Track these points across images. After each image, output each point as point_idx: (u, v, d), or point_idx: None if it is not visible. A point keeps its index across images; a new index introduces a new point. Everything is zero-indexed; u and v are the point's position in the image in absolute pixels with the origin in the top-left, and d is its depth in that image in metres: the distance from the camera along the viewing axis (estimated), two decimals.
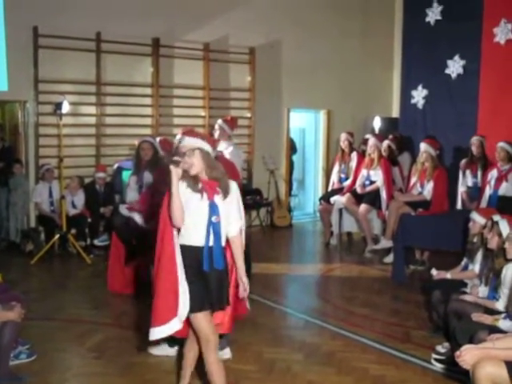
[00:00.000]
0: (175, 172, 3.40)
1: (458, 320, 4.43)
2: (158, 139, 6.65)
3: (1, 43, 8.45)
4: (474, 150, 8.07)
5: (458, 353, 3.22)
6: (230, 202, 3.61)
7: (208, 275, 3.54)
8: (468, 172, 8.14)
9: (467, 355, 3.18)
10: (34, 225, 8.92)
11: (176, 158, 3.44)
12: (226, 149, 7.13)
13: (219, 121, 7.21)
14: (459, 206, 8.20)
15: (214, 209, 3.52)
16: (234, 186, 3.65)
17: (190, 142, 3.52)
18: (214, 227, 3.53)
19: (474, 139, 8.15)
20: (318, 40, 11.19)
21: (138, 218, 5.85)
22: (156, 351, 4.82)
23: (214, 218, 3.52)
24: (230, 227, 3.63)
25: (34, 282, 7.23)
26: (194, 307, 3.48)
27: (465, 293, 4.85)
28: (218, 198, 3.55)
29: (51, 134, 8.82)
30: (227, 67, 10.51)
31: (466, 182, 8.16)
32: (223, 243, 3.61)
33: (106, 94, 9.39)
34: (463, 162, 8.29)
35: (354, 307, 6.24)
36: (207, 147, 3.54)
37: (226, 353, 4.69)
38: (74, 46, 8.83)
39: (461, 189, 8.22)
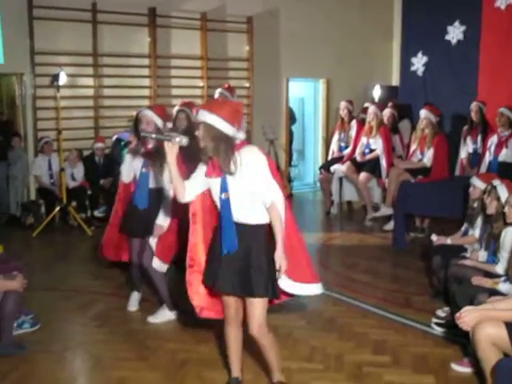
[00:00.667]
0: (169, 148, 3.24)
1: (458, 284, 4.44)
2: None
3: None
4: (473, 115, 8.04)
5: (457, 314, 3.24)
6: (251, 173, 3.25)
7: (230, 258, 3.32)
8: (468, 138, 8.12)
9: (467, 317, 3.20)
10: (34, 198, 8.93)
11: (169, 134, 3.36)
12: None
13: (219, 89, 7.15)
14: (457, 172, 8.19)
15: (222, 185, 3.30)
16: (249, 157, 3.27)
17: (199, 115, 3.28)
18: (223, 205, 3.33)
19: (473, 105, 8.12)
20: (317, 8, 11.05)
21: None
22: (155, 319, 4.89)
23: (223, 195, 3.31)
24: (263, 199, 3.30)
25: (35, 254, 7.27)
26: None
27: (465, 257, 4.87)
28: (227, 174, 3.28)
29: (49, 107, 8.78)
30: (225, 37, 10.40)
31: (466, 148, 8.14)
32: (238, 220, 3.33)
33: (103, 66, 9.31)
34: (464, 128, 8.26)
35: (354, 274, 6.28)
36: (212, 119, 3.22)
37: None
38: (69, 17, 8.74)
39: (461, 155, 8.21)
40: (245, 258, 3.30)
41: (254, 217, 3.33)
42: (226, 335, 3.58)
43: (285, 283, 3.41)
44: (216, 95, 7.11)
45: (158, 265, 4.74)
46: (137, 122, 4.85)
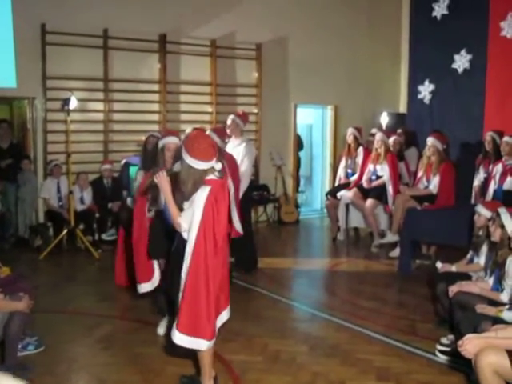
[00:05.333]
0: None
1: (462, 312, 4.44)
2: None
3: (9, 40, 8.51)
4: (487, 145, 8.06)
5: (460, 342, 3.23)
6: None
7: None
8: (481, 167, 8.14)
9: (469, 344, 3.20)
10: (43, 220, 9.00)
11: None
12: (239, 145, 7.13)
13: (232, 116, 7.22)
14: (473, 200, 8.19)
15: None
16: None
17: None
18: None
19: (487, 134, 8.16)
20: (325, 36, 11.21)
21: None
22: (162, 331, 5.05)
23: None
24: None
25: (42, 276, 7.29)
26: None
27: (469, 278, 4.87)
28: None
29: (59, 130, 8.90)
30: (234, 63, 10.55)
31: (479, 177, 8.16)
32: None
33: (114, 91, 9.46)
34: (479, 157, 8.31)
35: (360, 300, 6.26)
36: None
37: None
38: (81, 43, 8.91)
39: (475, 183, 8.23)
40: None
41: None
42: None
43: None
44: (228, 121, 7.18)
45: (144, 287, 4.98)
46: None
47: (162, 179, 3.62)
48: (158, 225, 4.69)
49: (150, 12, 9.39)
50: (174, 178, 3.71)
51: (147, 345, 4.89)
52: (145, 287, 4.94)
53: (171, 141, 4.94)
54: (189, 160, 3.62)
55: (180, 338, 3.67)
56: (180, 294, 3.69)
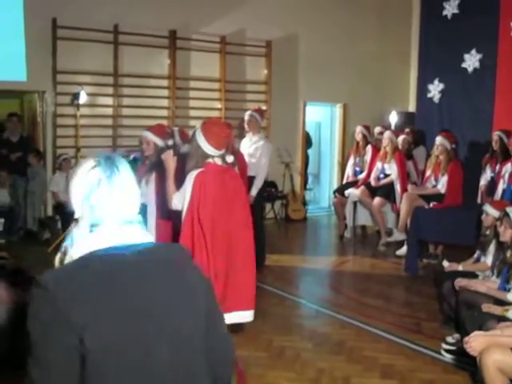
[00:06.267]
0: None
1: (469, 310, 4.44)
2: (176, 129, 6.72)
3: (20, 34, 8.55)
4: (494, 144, 8.04)
5: (466, 339, 3.24)
6: None
7: None
8: (488, 166, 8.12)
9: (475, 342, 3.21)
10: (51, 213, 9.04)
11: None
12: (257, 142, 7.13)
13: (249, 111, 7.22)
14: (479, 200, 8.17)
15: None
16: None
17: None
18: None
19: (494, 134, 8.12)
20: (335, 34, 11.19)
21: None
22: None
23: None
24: None
25: (49, 269, 7.31)
26: None
27: (476, 277, 4.86)
28: None
29: (69, 125, 8.94)
30: (243, 60, 10.55)
31: (485, 176, 8.14)
32: None
33: (123, 86, 9.48)
34: (485, 156, 8.28)
35: (366, 298, 6.27)
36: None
37: None
38: (92, 38, 8.93)
39: (481, 183, 8.20)
40: None
41: None
42: None
43: None
44: (246, 117, 7.18)
45: None
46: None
47: (169, 157, 3.77)
48: None
49: (160, 8, 9.40)
50: (182, 159, 3.87)
51: None
52: None
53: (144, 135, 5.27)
54: (201, 141, 3.74)
55: None
56: None
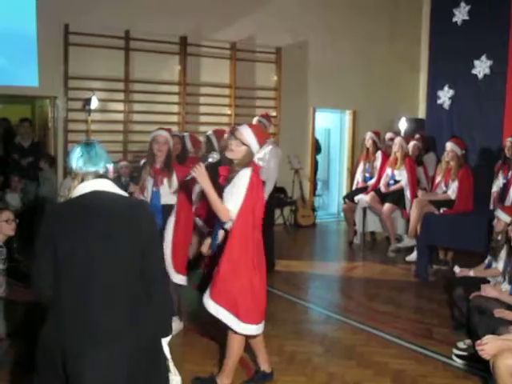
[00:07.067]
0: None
1: (480, 315, 4.42)
2: (186, 134, 6.76)
3: (32, 40, 8.63)
4: (506, 151, 8.02)
5: (478, 342, 3.23)
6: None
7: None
8: (500, 173, 8.10)
9: (488, 345, 3.20)
10: None
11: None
12: (265, 147, 7.13)
13: (257, 117, 7.23)
14: (491, 206, 8.15)
15: None
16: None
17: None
18: None
19: (507, 140, 8.11)
20: (345, 41, 11.22)
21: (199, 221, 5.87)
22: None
23: None
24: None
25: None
26: None
27: (488, 283, 4.85)
28: None
29: (80, 130, 8.99)
30: (253, 66, 10.59)
31: (498, 182, 8.12)
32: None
33: (134, 91, 9.53)
34: (498, 163, 8.27)
35: (376, 304, 6.26)
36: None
37: None
38: (103, 44, 9.00)
39: (493, 189, 8.18)
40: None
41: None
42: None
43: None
44: (254, 123, 7.19)
45: (179, 278, 4.94)
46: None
47: (201, 172, 3.60)
48: None
49: (171, 14, 9.45)
50: (211, 169, 3.78)
51: None
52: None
53: (160, 133, 5.07)
54: (254, 144, 3.76)
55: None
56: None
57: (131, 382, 2.39)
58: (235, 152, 3.76)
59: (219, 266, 3.79)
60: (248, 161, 3.79)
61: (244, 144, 3.77)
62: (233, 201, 3.67)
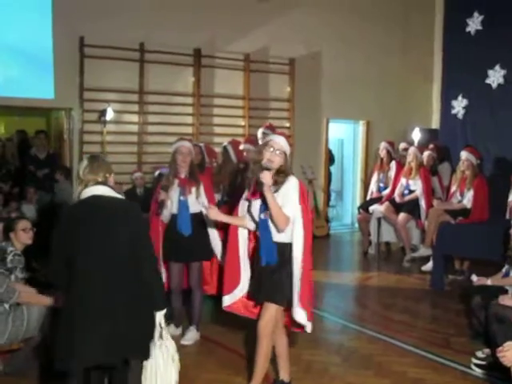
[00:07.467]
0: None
1: (499, 324, 4.39)
2: (202, 144, 6.80)
3: (48, 52, 8.73)
4: None
5: (500, 348, 3.19)
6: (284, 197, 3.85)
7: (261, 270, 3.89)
8: None
9: (510, 351, 3.16)
10: None
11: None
12: None
13: (261, 129, 7.24)
14: (507, 216, 8.09)
15: (261, 206, 3.83)
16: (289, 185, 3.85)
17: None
18: (262, 224, 3.86)
19: None
20: (358, 51, 11.24)
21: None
22: (188, 341, 5.14)
23: (262, 215, 3.83)
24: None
25: None
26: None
27: (506, 292, 4.81)
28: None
29: (95, 141, 9.07)
30: (267, 77, 10.64)
31: None
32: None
33: (149, 103, 9.60)
34: None
35: (392, 313, 6.23)
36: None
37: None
38: (118, 56, 9.09)
39: (509, 199, 8.12)
40: (271, 271, 3.85)
41: (285, 236, 3.87)
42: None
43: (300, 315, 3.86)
44: (259, 135, 7.19)
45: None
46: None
47: (268, 180, 3.68)
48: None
49: (185, 27, 9.53)
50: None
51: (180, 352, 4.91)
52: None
53: (184, 144, 5.12)
54: (288, 152, 3.88)
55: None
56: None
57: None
58: (276, 162, 3.81)
59: (304, 274, 3.89)
60: (289, 168, 3.90)
61: (282, 153, 3.85)
62: (289, 208, 3.77)
